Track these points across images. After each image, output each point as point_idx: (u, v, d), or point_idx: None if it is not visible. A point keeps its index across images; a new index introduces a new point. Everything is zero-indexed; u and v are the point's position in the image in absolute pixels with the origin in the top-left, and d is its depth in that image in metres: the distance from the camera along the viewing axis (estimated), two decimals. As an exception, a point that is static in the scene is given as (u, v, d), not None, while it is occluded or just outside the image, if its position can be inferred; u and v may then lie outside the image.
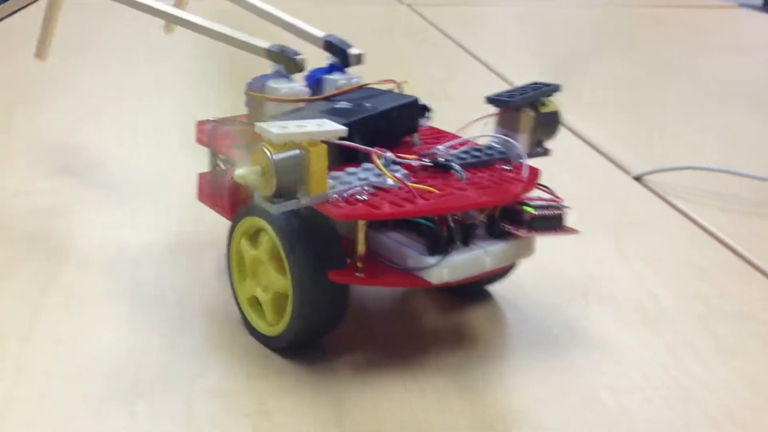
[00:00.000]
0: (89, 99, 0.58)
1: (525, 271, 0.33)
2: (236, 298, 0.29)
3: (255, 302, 0.29)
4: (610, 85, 0.72)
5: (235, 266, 0.29)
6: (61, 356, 0.27)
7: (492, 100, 0.29)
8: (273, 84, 0.31)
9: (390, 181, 0.26)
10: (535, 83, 0.30)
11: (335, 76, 0.33)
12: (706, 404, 0.26)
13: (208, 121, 0.33)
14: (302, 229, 0.26)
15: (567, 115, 0.57)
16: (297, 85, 0.32)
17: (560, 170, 0.44)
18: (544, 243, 0.28)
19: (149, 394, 0.25)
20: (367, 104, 0.29)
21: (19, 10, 0.44)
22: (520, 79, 0.63)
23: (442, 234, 0.25)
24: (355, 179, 0.26)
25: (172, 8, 0.37)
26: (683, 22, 1.06)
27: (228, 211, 0.31)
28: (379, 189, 0.26)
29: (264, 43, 0.33)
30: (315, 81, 0.33)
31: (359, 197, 0.25)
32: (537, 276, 0.34)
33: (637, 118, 0.62)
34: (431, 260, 0.25)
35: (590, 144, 0.55)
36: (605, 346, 0.29)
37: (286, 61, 0.32)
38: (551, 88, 0.29)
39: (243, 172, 0.25)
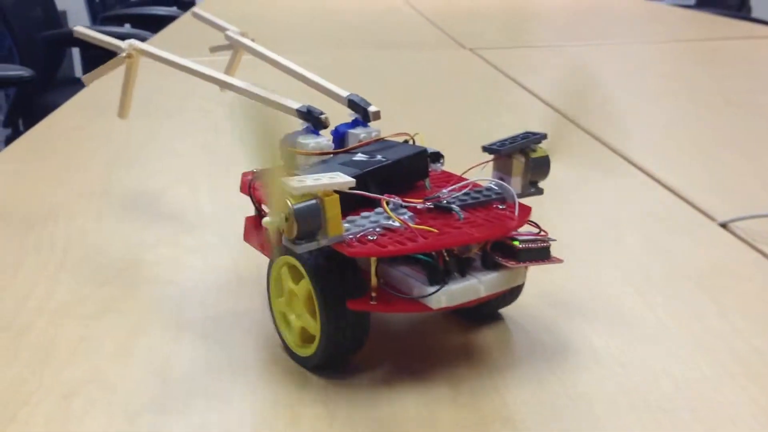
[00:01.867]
0: (181, 161, 0.66)
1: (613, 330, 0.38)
2: (271, 310, 0.37)
3: (286, 318, 0.36)
4: (679, 124, 0.75)
5: (273, 283, 0.36)
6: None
7: (486, 149, 0.36)
8: (302, 139, 0.40)
9: (396, 223, 0.34)
10: (526, 132, 0.37)
11: (357, 131, 0.40)
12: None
13: (250, 172, 0.42)
14: (326, 265, 0.33)
15: (644, 160, 0.65)
16: (323, 139, 0.40)
17: (646, 221, 0.51)
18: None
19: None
20: (381, 156, 0.37)
21: (106, 72, 0.55)
22: (586, 118, 0.70)
23: (439, 267, 0.32)
24: (367, 222, 0.33)
25: (216, 73, 0.47)
26: (746, 55, 1.09)
27: (266, 250, 0.40)
28: (387, 230, 0.33)
29: (295, 104, 0.42)
30: (340, 135, 0.42)
31: (370, 237, 0.32)
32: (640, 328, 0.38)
33: (712, 159, 0.64)
34: (431, 289, 0.32)
35: (670, 189, 0.58)
36: (716, 405, 0.32)
37: (313, 120, 0.41)
38: (539, 137, 0.36)
39: (270, 219, 0.33)
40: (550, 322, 0.39)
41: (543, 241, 0.34)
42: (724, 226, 0.51)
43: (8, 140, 1.22)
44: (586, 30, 1.37)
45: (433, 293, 0.32)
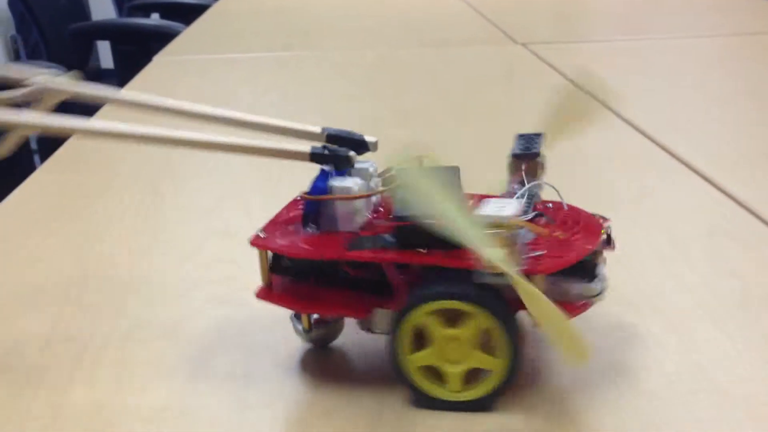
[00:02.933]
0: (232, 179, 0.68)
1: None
2: (400, 367, 0.36)
3: (428, 371, 0.36)
4: (747, 129, 0.75)
5: (404, 338, 0.35)
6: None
7: (520, 156, 0.39)
8: (339, 184, 0.38)
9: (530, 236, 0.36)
10: (521, 134, 0.41)
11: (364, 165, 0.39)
12: None
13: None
14: (496, 293, 0.34)
15: (708, 168, 0.64)
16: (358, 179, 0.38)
17: (713, 236, 0.52)
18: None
19: None
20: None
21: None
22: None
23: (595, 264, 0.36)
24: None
25: (196, 134, 0.40)
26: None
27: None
28: (530, 244, 0.35)
29: (304, 147, 0.39)
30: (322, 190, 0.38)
31: (532, 255, 0.35)
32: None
33: None
34: (597, 286, 0.36)
35: (738, 202, 0.58)
36: None
37: (334, 159, 0.39)
38: (539, 135, 0.40)
39: (493, 254, 0.32)
40: (618, 343, 0.41)
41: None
42: None
43: (40, 140, 1.27)
44: (646, 22, 1.38)
45: (602, 290, 0.36)
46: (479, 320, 0.35)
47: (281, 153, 0.40)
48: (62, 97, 0.44)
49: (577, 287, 0.35)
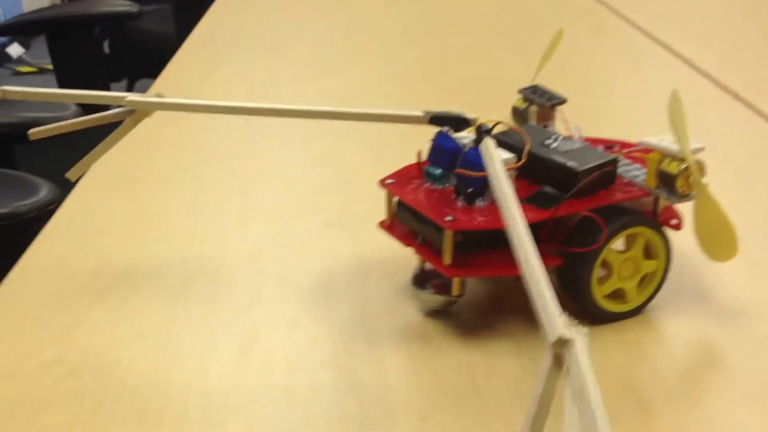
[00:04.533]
0: None
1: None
2: (592, 300, 0.42)
3: (610, 296, 0.43)
4: None
5: (595, 273, 0.41)
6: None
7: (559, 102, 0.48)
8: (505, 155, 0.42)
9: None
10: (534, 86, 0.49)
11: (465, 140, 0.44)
12: None
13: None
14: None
15: None
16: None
17: None
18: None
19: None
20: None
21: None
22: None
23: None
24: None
25: (320, 107, 0.48)
26: None
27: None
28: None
29: (417, 112, 0.45)
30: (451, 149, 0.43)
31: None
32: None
33: None
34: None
35: None
36: None
37: (454, 122, 0.44)
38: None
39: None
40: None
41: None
42: None
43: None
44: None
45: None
46: (646, 237, 0.43)
47: (401, 118, 0.46)
48: (153, 112, 0.48)
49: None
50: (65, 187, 0.61)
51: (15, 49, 3.23)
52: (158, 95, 0.48)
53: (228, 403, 0.38)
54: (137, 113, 0.47)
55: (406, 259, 0.47)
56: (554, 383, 0.25)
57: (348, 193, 0.59)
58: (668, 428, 0.37)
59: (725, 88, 0.80)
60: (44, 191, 1.00)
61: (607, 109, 0.77)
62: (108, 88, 2.47)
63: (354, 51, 0.99)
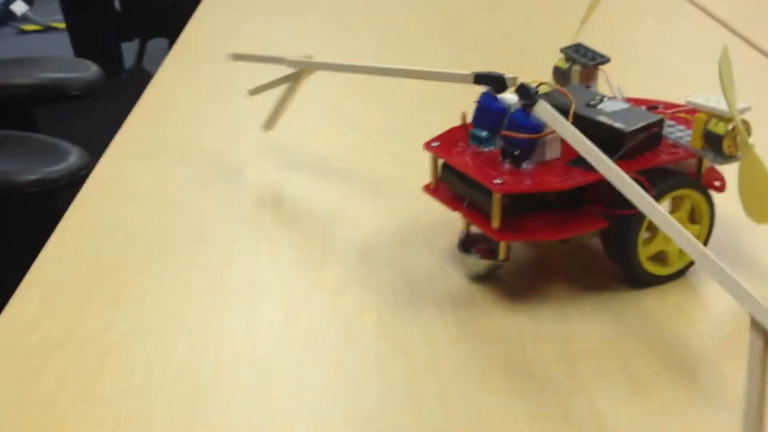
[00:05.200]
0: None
1: None
2: (637, 262, 0.42)
3: (653, 258, 0.43)
4: None
5: (641, 237, 0.42)
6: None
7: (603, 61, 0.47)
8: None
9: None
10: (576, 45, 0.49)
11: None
12: None
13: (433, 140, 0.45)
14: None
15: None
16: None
17: None
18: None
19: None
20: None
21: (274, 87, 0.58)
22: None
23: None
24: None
25: (374, 64, 0.51)
26: None
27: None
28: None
29: (465, 72, 0.46)
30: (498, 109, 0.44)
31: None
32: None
33: None
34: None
35: None
36: None
37: (497, 82, 0.44)
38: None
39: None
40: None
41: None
42: None
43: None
44: None
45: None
46: (692, 199, 0.43)
47: (448, 76, 0.47)
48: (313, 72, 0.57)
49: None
50: (92, 153, 0.62)
51: (19, 6, 3.21)
52: (308, 57, 0.56)
53: (277, 372, 0.39)
54: (300, 74, 0.57)
55: (448, 224, 0.47)
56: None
57: (382, 157, 0.59)
58: (711, 389, 0.37)
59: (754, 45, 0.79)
60: (74, 157, 0.98)
61: (637, 67, 0.76)
62: (120, 49, 2.46)
63: (378, 7, 0.98)
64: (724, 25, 0.86)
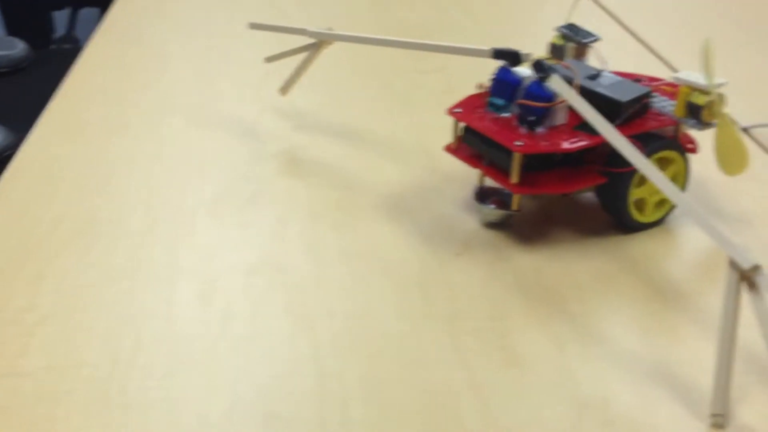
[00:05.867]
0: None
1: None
2: (626, 211, 0.50)
3: (636, 204, 0.50)
4: (699, 17, 0.87)
5: (632, 191, 0.50)
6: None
7: (595, 39, 0.55)
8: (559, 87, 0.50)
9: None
10: (570, 24, 0.55)
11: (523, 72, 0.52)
12: None
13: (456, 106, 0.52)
14: None
15: (675, 60, 0.75)
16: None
17: None
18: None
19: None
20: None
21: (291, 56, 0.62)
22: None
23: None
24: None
25: (395, 38, 0.57)
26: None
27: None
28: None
29: (484, 47, 0.53)
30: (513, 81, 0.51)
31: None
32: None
33: (737, 60, 0.75)
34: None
35: None
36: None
37: (510, 56, 0.51)
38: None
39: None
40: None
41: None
42: (745, 131, 0.63)
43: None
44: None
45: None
46: (673, 159, 0.52)
47: (468, 51, 0.54)
48: (332, 43, 0.63)
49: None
50: (20, 131, 0.60)
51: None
52: (329, 29, 0.61)
53: (192, 350, 0.42)
54: (319, 45, 0.62)
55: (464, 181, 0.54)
56: (740, 301, 0.36)
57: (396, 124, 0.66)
58: (693, 314, 0.46)
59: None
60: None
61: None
62: (51, 18, 2.43)
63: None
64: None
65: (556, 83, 0.47)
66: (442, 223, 0.53)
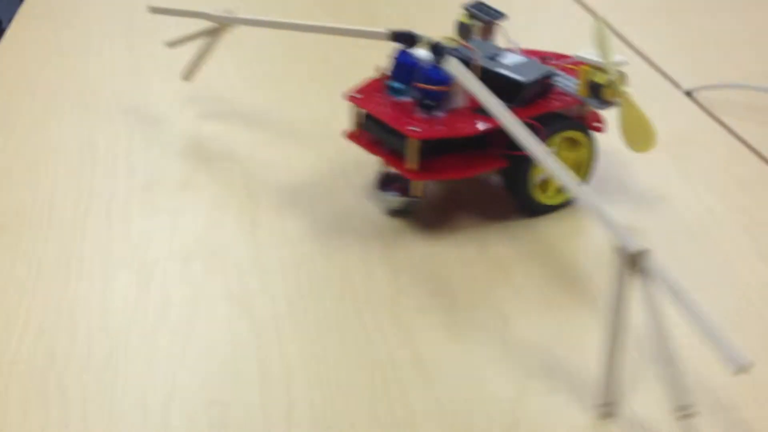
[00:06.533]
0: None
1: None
2: (528, 194, 0.50)
3: (539, 185, 0.50)
4: None
5: (535, 173, 0.49)
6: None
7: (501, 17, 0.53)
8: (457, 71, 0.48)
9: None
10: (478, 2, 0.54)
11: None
12: (751, 297, 0.44)
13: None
14: None
15: (619, 24, 0.74)
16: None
17: None
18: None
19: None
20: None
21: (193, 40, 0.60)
22: None
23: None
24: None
25: (290, 20, 0.56)
26: None
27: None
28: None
29: (381, 29, 0.51)
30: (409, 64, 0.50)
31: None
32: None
33: (688, 25, 0.76)
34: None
35: (642, 55, 0.68)
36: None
37: (405, 38, 0.50)
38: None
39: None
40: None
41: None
42: (689, 94, 0.63)
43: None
44: None
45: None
46: (578, 139, 0.51)
47: (364, 33, 0.53)
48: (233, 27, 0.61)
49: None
50: None
51: None
52: (228, 11, 0.60)
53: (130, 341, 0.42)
54: (220, 28, 0.61)
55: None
56: (627, 287, 0.35)
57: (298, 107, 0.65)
58: (591, 295, 0.45)
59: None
60: None
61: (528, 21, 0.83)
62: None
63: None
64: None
65: (451, 65, 0.46)
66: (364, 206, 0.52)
